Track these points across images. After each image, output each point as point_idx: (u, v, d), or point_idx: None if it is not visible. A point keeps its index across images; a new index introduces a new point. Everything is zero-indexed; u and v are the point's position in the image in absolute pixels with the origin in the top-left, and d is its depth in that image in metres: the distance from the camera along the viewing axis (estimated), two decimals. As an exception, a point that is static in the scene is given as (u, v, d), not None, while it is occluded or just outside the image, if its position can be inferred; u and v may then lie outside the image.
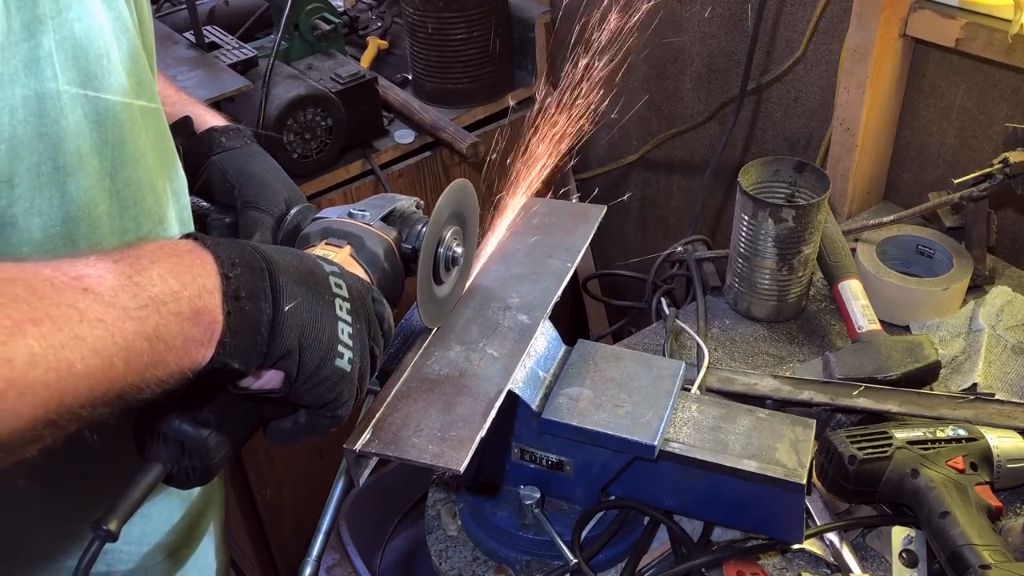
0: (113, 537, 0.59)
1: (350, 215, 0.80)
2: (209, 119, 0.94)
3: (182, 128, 0.90)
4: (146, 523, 0.88)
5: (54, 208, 0.64)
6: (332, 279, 0.66)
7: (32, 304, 0.46)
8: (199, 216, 0.88)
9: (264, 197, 0.86)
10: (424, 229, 0.80)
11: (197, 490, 0.92)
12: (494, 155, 0.98)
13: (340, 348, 0.64)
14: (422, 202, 0.86)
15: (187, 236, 0.60)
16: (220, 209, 0.89)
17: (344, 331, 0.64)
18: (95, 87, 0.64)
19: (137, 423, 0.65)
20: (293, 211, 0.85)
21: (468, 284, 0.92)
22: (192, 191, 0.86)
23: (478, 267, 0.95)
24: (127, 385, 0.51)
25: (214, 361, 0.56)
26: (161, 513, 0.90)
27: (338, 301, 0.65)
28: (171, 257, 0.55)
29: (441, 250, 0.81)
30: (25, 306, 0.45)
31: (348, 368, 0.65)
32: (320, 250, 0.75)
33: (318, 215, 0.82)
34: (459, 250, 0.83)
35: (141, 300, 0.51)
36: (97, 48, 0.64)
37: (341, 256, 0.74)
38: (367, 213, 0.80)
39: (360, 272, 0.74)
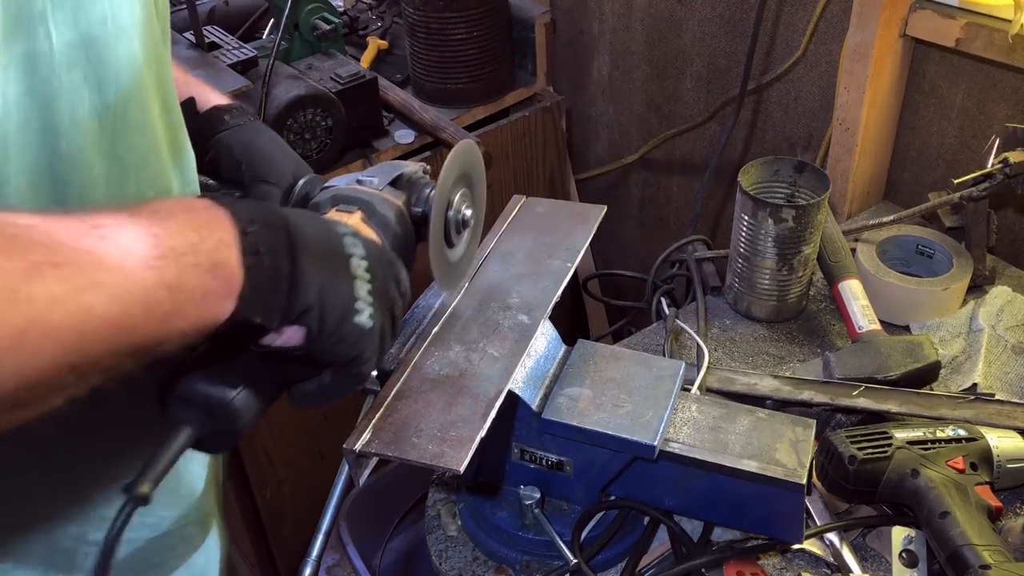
0: (145, 501, 0.59)
1: (359, 182, 0.80)
2: (212, 98, 0.95)
3: (186, 108, 0.90)
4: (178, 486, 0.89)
5: (43, 167, 0.64)
6: (347, 239, 0.67)
7: (52, 248, 0.46)
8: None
9: (271, 171, 0.87)
10: (432, 192, 0.80)
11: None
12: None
13: (359, 304, 0.65)
14: (428, 168, 0.86)
15: (202, 195, 0.60)
16: (227, 186, 0.89)
17: (363, 288, 0.65)
18: (97, 50, 0.64)
19: (162, 388, 0.65)
20: (301, 182, 0.85)
21: (470, 282, 0.92)
22: (198, 170, 0.86)
23: (477, 267, 0.95)
24: (148, 335, 0.51)
25: (235, 315, 0.56)
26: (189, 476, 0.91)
27: (354, 260, 0.66)
28: (188, 211, 0.56)
29: (451, 213, 0.81)
30: (44, 249, 0.46)
31: (369, 324, 0.65)
32: (332, 216, 0.75)
33: (327, 184, 0.82)
34: (468, 212, 0.83)
35: (160, 250, 0.51)
36: (100, 9, 0.64)
37: (353, 220, 0.74)
38: (375, 179, 0.80)
39: (373, 235, 0.75)
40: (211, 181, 0.90)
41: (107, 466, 0.78)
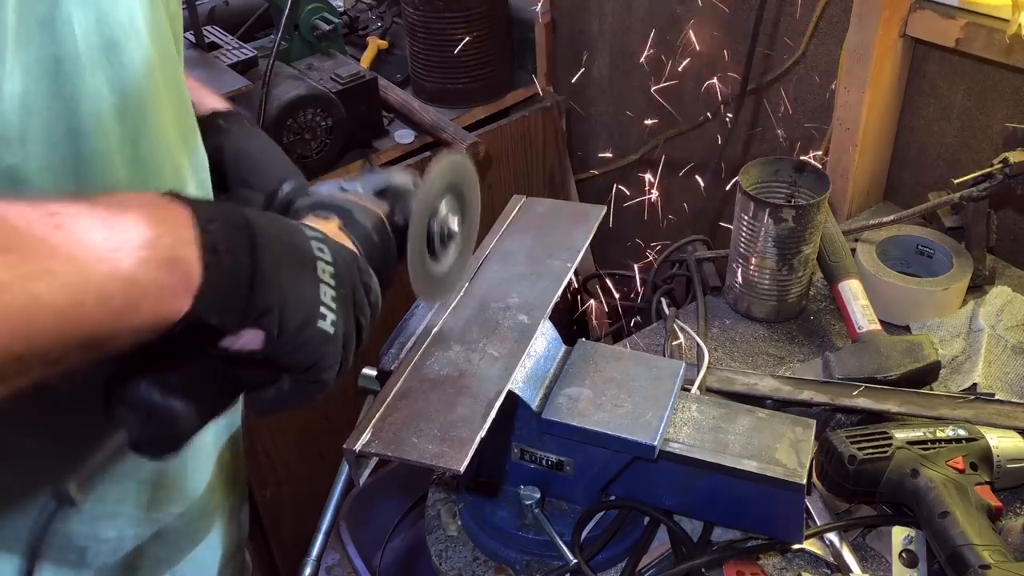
0: (71, 502, 0.58)
1: (341, 189, 0.79)
2: (210, 102, 0.95)
3: None
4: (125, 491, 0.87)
5: (68, 168, 0.64)
6: (314, 244, 0.66)
7: (3, 232, 0.46)
8: None
9: (256, 176, 0.86)
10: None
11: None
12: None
13: (323, 310, 0.63)
14: (420, 180, 0.85)
15: (166, 193, 0.59)
16: (218, 190, 0.89)
17: (327, 294, 0.64)
18: (117, 53, 0.65)
19: (105, 388, 0.63)
20: (285, 187, 0.84)
21: (470, 282, 0.92)
22: None
23: (477, 267, 0.95)
24: (99, 329, 0.50)
25: (191, 315, 0.55)
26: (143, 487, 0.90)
27: (320, 264, 0.65)
28: (148, 206, 0.55)
29: (435, 225, 0.79)
30: None
31: (331, 331, 0.64)
32: (307, 221, 0.74)
33: (311, 191, 0.82)
34: (454, 225, 0.81)
35: (114, 243, 0.50)
36: (121, 15, 0.65)
37: (329, 228, 0.73)
38: (358, 186, 0.79)
39: (347, 242, 0.73)
40: None
41: (48, 464, 0.75)
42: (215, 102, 0.95)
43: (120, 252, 0.50)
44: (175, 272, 0.54)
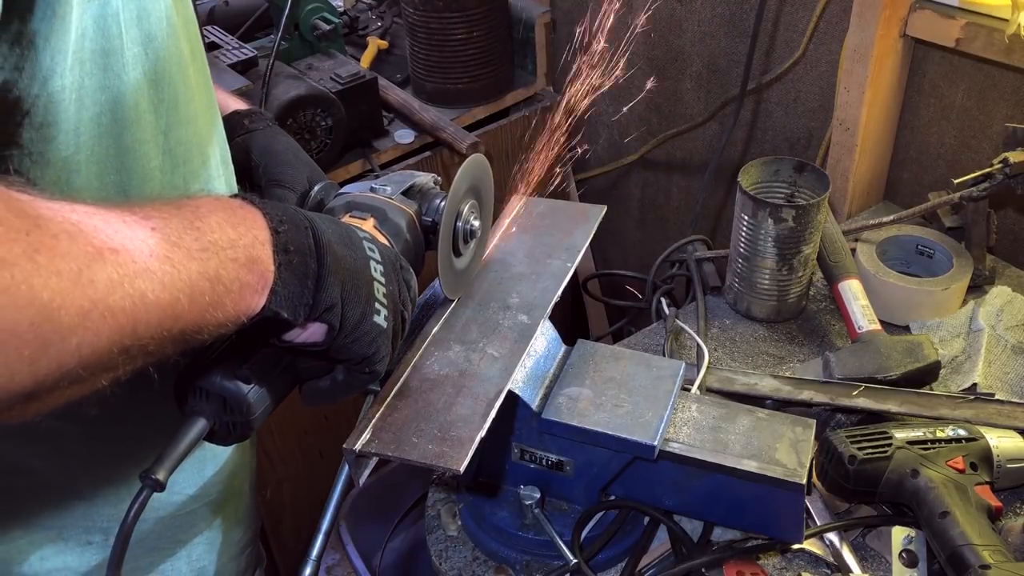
0: (161, 487, 0.62)
1: (372, 189, 0.83)
2: (231, 103, 0.98)
3: None
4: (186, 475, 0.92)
5: (111, 157, 0.68)
6: (366, 244, 0.70)
7: (109, 235, 0.49)
8: None
9: (287, 175, 0.90)
10: (443, 203, 0.84)
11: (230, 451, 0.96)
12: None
13: (377, 305, 0.68)
14: (440, 178, 0.90)
15: (235, 196, 0.63)
16: (244, 189, 0.92)
17: (379, 290, 0.69)
18: (155, 48, 0.68)
19: (179, 379, 0.67)
20: (316, 187, 0.89)
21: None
22: None
23: (478, 267, 0.95)
24: (190, 323, 0.54)
25: (266, 309, 0.59)
26: (198, 468, 0.93)
27: (372, 263, 0.69)
28: (226, 209, 0.59)
29: (459, 223, 0.85)
30: (104, 236, 0.48)
31: (385, 324, 0.69)
32: (347, 221, 0.78)
33: (341, 191, 0.86)
34: (476, 223, 0.87)
35: (202, 243, 0.54)
36: (158, 10, 0.68)
37: (367, 226, 0.78)
38: (388, 188, 0.84)
39: (385, 241, 0.78)
40: None
41: (138, 449, 0.81)
42: (235, 102, 0.99)
43: (207, 252, 0.54)
44: (254, 271, 0.58)
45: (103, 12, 0.63)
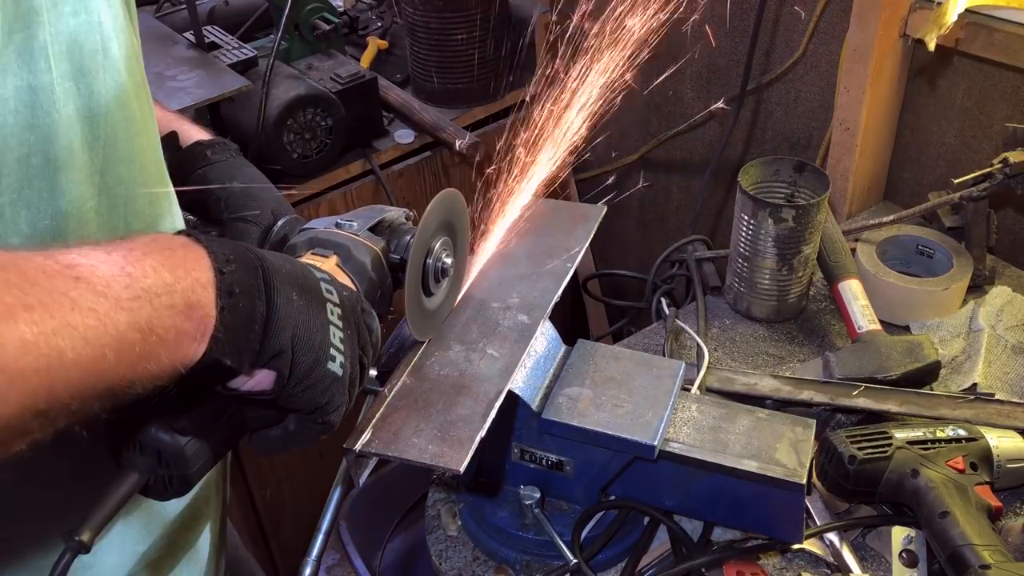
0: (86, 549, 0.58)
1: (337, 225, 0.79)
2: (194, 134, 0.93)
3: (169, 143, 0.89)
4: (127, 532, 0.85)
5: (43, 201, 0.63)
6: (323, 285, 0.66)
7: (24, 290, 0.45)
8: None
9: (250, 208, 0.86)
10: (413, 239, 0.80)
11: (179, 505, 0.89)
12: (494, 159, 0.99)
13: (332, 352, 0.64)
14: (412, 213, 0.86)
15: (180, 232, 0.59)
16: (206, 222, 0.88)
17: (336, 335, 0.64)
18: (88, 82, 0.64)
19: (114, 430, 0.63)
20: (280, 222, 0.85)
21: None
22: (180, 205, 0.85)
23: (478, 267, 0.95)
24: (118, 378, 0.50)
25: (206, 357, 0.55)
26: (142, 525, 0.87)
27: (329, 306, 0.65)
28: (164, 250, 0.55)
29: (430, 261, 0.81)
30: (17, 291, 0.45)
31: (340, 372, 0.64)
32: (307, 259, 0.75)
33: (305, 226, 0.82)
34: (448, 261, 0.83)
35: (134, 291, 0.50)
36: (92, 43, 0.63)
37: (328, 265, 0.74)
38: (355, 223, 0.80)
39: (347, 282, 0.74)
40: (190, 217, 0.89)
41: (68, 511, 0.73)
42: (198, 132, 0.93)
43: (139, 301, 0.50)
44: (193, 317, 0.54)
45: (29, 46, 0.58)
